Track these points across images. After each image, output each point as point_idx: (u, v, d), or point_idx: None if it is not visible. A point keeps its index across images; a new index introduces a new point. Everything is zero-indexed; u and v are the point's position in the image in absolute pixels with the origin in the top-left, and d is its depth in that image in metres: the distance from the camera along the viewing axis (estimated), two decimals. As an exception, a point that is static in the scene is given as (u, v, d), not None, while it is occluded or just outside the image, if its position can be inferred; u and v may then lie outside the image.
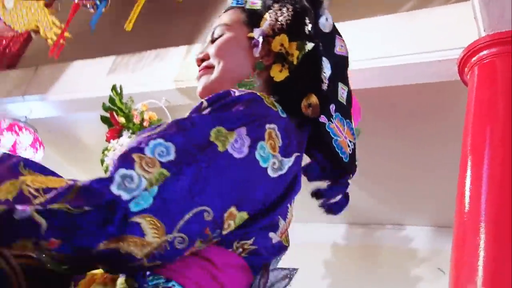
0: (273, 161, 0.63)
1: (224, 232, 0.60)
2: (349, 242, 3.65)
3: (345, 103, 0.81)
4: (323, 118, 0.76)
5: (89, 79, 2.84)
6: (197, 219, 0.56)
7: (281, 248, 0.73)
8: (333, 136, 0.77)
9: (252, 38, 0.80)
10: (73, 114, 3.18)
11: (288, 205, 0.72)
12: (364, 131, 2.07)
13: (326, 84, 0.75)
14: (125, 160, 0.55)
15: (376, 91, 2.28)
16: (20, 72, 3.17)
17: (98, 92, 2.65)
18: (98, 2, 2.51)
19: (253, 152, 0.61)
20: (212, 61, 0.83)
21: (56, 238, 0.51)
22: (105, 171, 2.23)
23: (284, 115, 0.70)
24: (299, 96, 0.75)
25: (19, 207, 0.51)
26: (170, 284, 0.60)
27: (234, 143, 0.60)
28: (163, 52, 2.72)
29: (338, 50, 0.83)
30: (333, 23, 0.82)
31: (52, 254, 0.53)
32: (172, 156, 0.57)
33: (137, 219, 0.52)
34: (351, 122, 0.82)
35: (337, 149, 0.77)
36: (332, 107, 0.78)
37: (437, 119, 2.55)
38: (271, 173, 0.63)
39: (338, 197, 0.81)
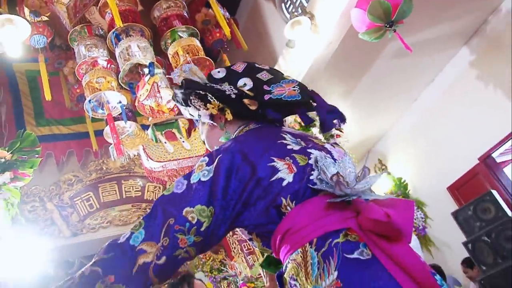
0: (203, 172, 1.03)
1: (194, 221, 0.99)
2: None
3: (270, 77, 1.22)
4: (266, 97, 1.16)
5: None
6: (168, 226, 0.99)
7: (304, 169, 0.99)
8: (280, 96, 1.16)
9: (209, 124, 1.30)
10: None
11: (268, 163, 1.00)
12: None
13: (233, 93, 1.17)
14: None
15: None
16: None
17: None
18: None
19: (189, 185, 1.03)
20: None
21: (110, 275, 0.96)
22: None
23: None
24: (243, 107, 1.16)
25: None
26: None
27: (177, 186, 1.04)
28: None
29: (236, 68, 1.28)
30: (219, 70, 1.29)
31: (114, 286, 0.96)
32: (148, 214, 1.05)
33: (140, 246, 0.98)
34: (284, 79, 1.22)
35: (288, 99, 1.15)
36: (265, 87, 1.19)
37: None
38: (203, 178, 1.02)
39: (333, 118, 1.20)
